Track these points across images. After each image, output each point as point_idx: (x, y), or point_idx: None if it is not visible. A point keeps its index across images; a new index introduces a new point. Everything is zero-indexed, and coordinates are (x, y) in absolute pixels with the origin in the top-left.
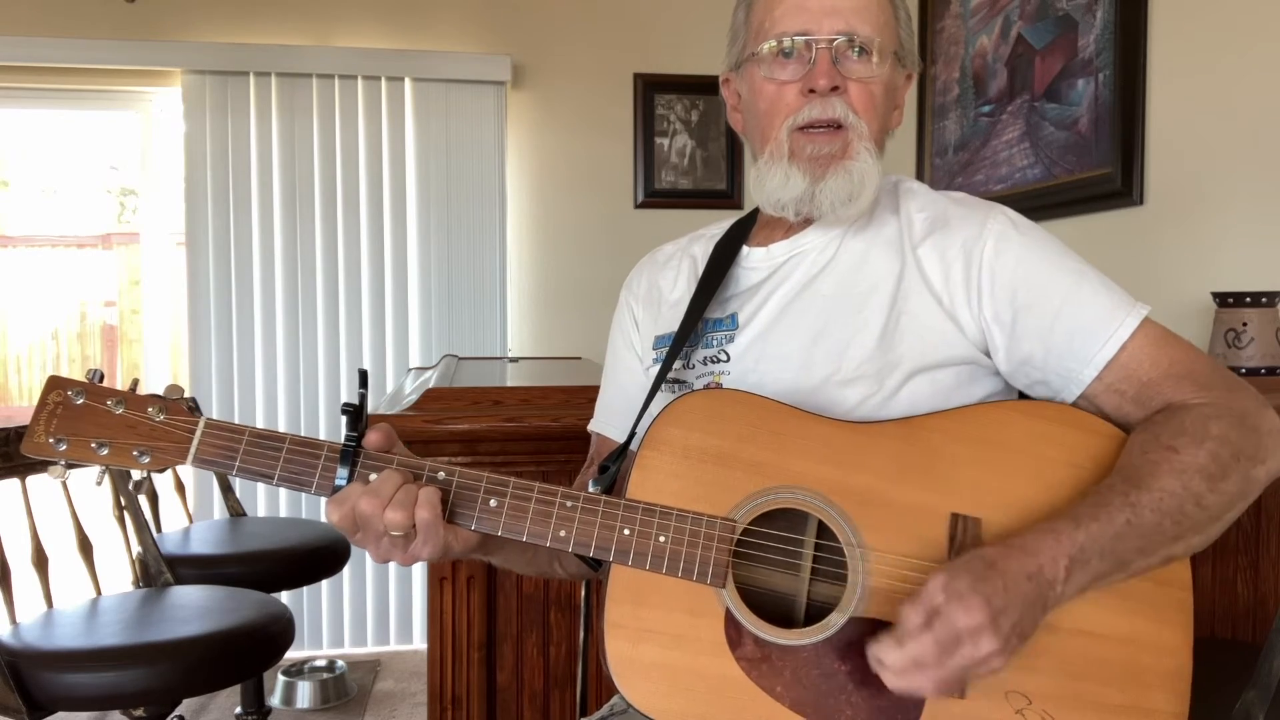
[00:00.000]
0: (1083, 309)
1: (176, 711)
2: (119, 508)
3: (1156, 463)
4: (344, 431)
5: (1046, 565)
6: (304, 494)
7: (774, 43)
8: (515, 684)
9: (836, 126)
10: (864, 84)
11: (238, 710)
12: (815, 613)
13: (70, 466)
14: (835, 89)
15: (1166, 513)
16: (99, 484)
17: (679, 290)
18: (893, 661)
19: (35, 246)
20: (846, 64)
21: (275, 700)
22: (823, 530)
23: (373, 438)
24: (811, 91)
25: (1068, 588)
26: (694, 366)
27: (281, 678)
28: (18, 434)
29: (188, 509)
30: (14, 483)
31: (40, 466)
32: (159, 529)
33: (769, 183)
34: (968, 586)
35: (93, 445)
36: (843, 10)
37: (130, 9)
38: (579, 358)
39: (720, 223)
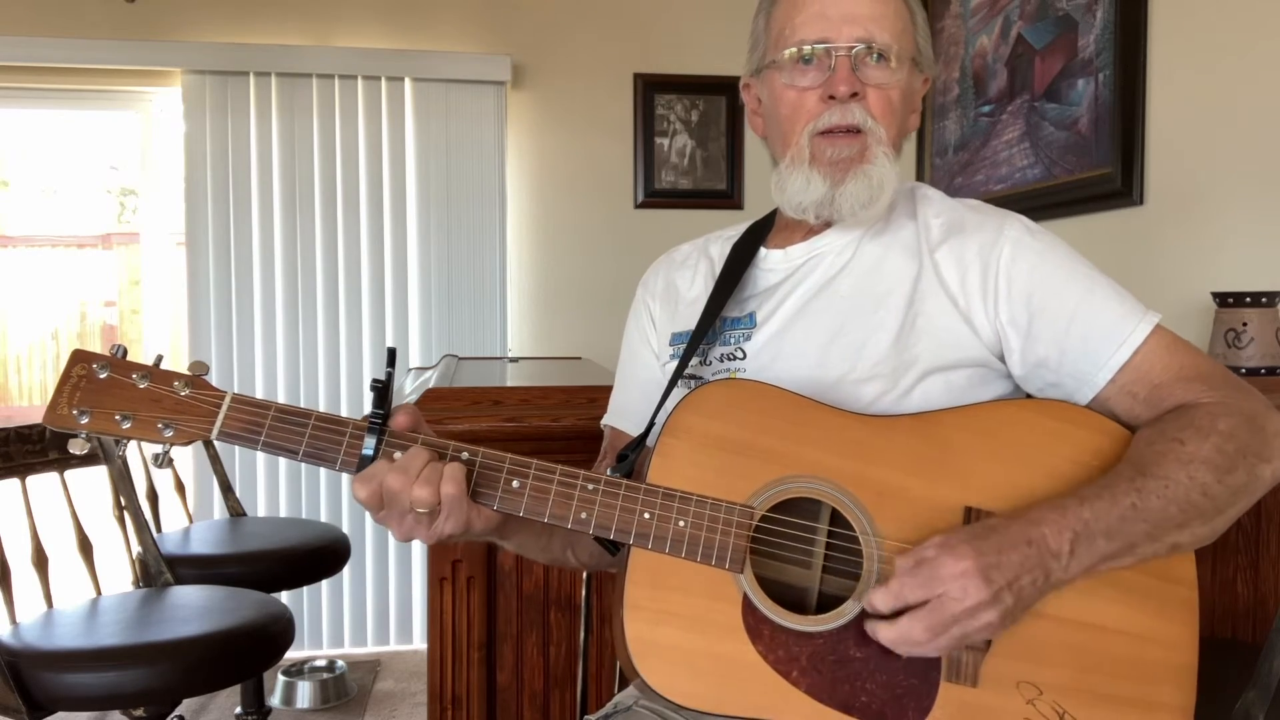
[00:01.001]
0: (1097, 314)
1: (176, 711)
2: (119, 508)
3: (1162, 453)
4: (370, 408)
5: (1050, 535)
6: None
7: (794, 50)
8: (515, 684)
9: (855, 131)
10: (882, 90)
11: (238, 710)
12: (827, 601)
13: (92, 440)
14: (855, 95)
15: (1172, 499)
16: (121, 455)
17: (696, 289)
18: (879, 601)
19: (35, 246)
20: (865, 70)
21: (275, 700)
22: (837, 520)
23: (400, 419)
24: (831, 98)
25: (1074, 562)
26: (711, 363)
27: (281, 678)
28: (18, 434)
29: (188, 509)
30: (14, 483)
31: (41, 466)
32: (159, 529)
33: (790, 186)
34: (960, 540)
35: (116, 418)
36: (861, 18)
37: (130, 9)
38: (579, 358)
39: (736, 225)
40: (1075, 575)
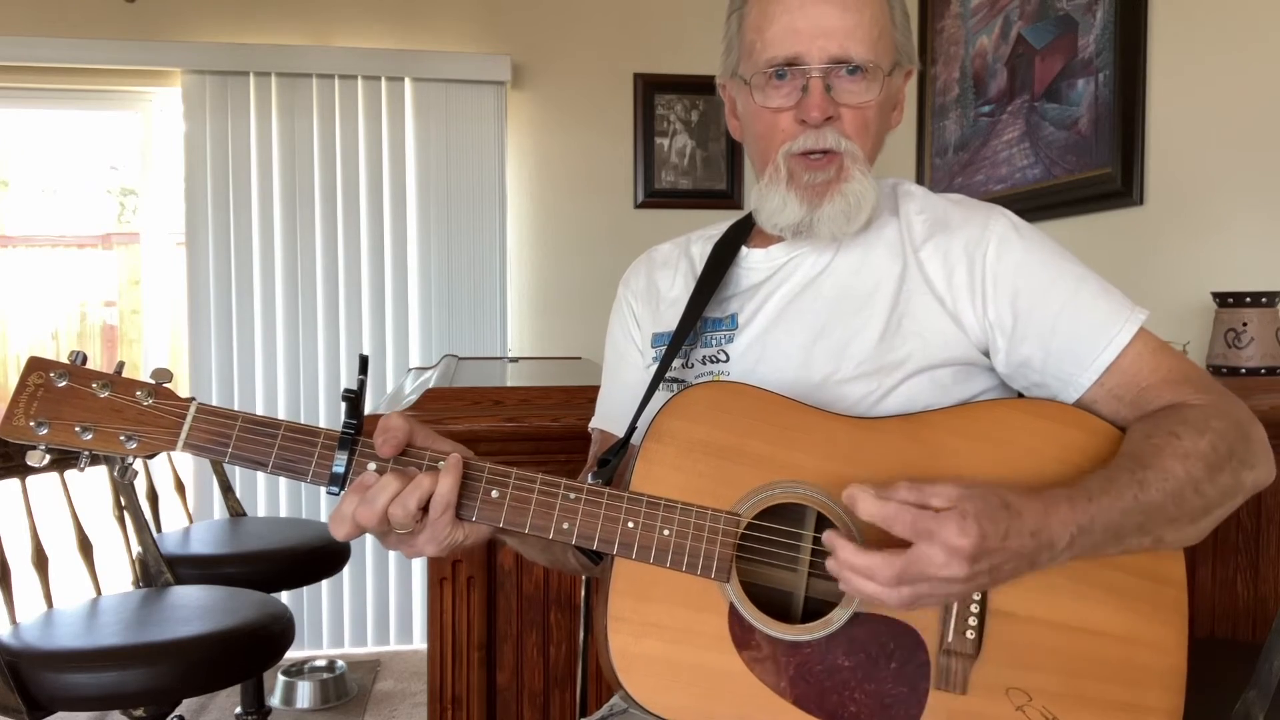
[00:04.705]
0: (1082, 314)
1: (176, 711)
2: (119, 508)
3: (1160, 446)
4: (342, 418)
5: (1056, 528)
6: (301, 484)
7: (766, 71)
8: (515, 684)
9: (831, 151)
10: (858, 110)
11: (238, 710)
12: (813, 608)
13: (51, 451)
14: (829, 118)
15: (1169, 493)
16: (81, 470)
17: (677, 289)
18: (866, 506)
19: (35, 246)
20: (839, 86)
21: (275, 700)
22: (822, 525)
23: (386, 451)
24: (804, 121)
25: (1065, 554)
26: (693, 366)
27: (281, 678)
28: None
29: (188, 509)
30: (14, 483)
31: (41, 466)
32: (159, 529)
33: (767, 205)
34: (974, 511)
35: (76, 429)
36: (835, 31)
37: (130, 9)
38: (579, 358)
39: (718, 224)
40: (1060, 563)
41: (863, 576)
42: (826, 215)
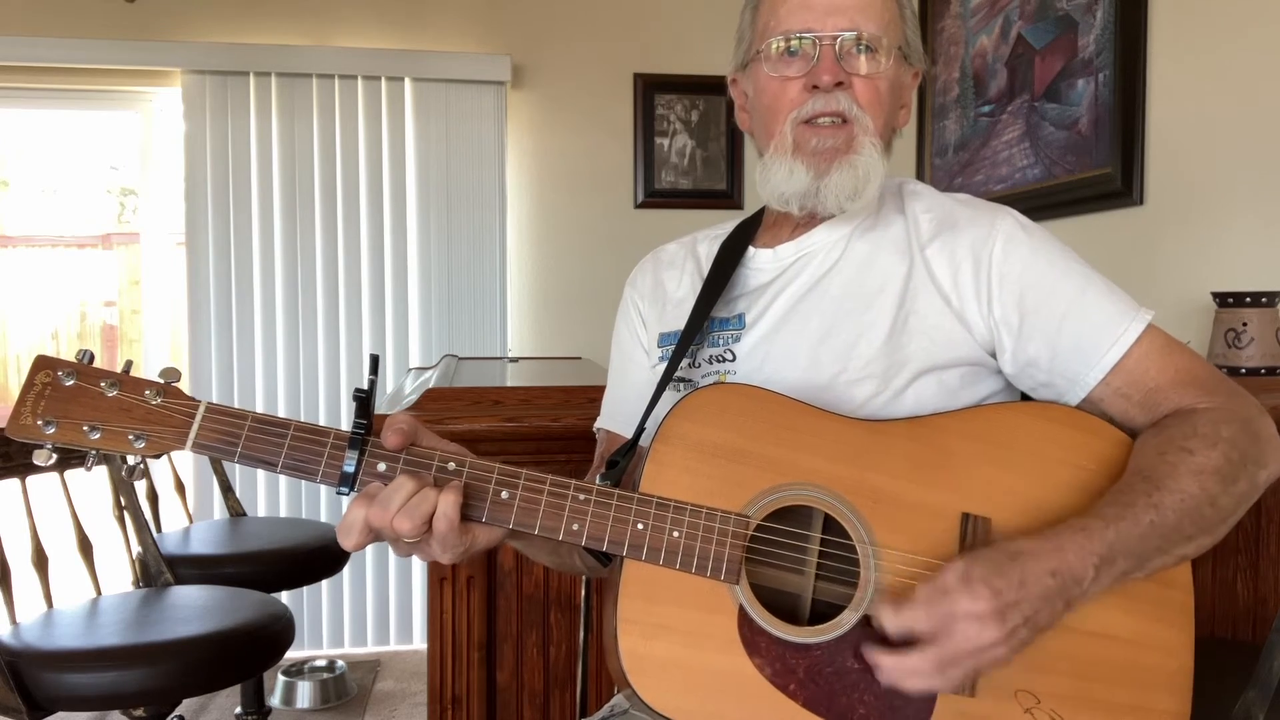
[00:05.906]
0: (1089, 313)
1: (176, 711)
2: (119, 508)
3: (1174, 464)
4: (353, 418)
5: (1075, 563)
6: (308, 483)
7: (779, 41)
8: (515, 684)
9: (842, 120)
10: (870, 80)
11: (238, 710)
12: (821, 610)
13: (59, 451)
14: (840, 85)
15: (1186, 513)
16: (88, 470)
17: (683, 289)
18: (889, 623)
19: (35, 246)
20: (851, 60)
21: (275, 700)
22: (829, 527)
23: (392, 440)
24: (815, 88)
25: (1095, 586)
26: (700, 365)
27: (281, 678)
28: None
29: (188, 509)
30: (14, 483)
31: (41, 466)
32: (159, 529)
33: (773, 177)
34: (980, 575)
35: (84, 428)
36: (847, 9)
37: (130, 9)
38: (579, 358)
39: (724, 224)
40: (1092, 597)
41: (912, 676)
42: (834, 184)
